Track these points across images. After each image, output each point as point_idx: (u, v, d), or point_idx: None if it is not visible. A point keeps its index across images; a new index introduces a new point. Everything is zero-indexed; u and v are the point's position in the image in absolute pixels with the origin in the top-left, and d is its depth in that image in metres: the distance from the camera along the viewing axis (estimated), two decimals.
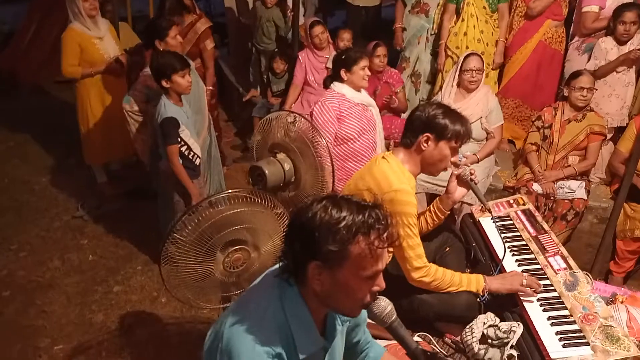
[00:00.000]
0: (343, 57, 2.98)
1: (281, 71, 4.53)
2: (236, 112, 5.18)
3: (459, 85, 3.41)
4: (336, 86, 2.97)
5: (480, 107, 3.39)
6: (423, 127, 1.96)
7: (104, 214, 3.73)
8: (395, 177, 1.95)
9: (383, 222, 1.19)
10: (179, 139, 2.78)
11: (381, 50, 3.86)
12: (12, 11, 7.17)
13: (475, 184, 2.17)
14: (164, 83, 2.70)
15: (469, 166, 2.24)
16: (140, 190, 3.84)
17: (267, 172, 2.56)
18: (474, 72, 3.31)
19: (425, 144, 1.97)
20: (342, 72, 2.93)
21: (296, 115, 3.79)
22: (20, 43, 5.74)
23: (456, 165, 2.13)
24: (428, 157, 1.99)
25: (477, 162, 3.39)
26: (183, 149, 2.82)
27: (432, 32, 4.12)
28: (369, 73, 3.02)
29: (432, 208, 2.25)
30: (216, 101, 4.26)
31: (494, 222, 2.28)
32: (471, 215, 2.56)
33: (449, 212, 2.24)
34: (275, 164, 2.62)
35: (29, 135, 4.74)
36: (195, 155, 2.87)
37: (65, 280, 3.14)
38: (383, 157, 2.05)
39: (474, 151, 3.42)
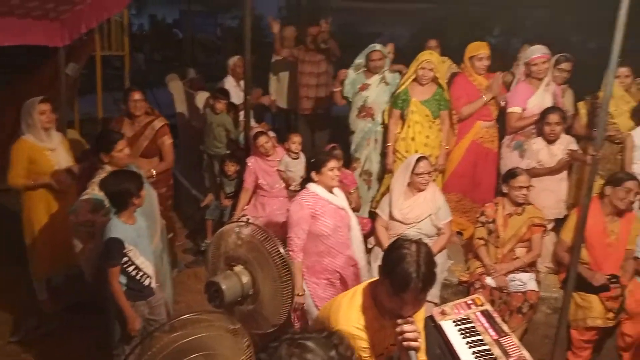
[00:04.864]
0: (313, 160, 3.19)
1: (232, 173, 4.55)
2: (189, 214, 5.11)
3: (408, 185, 3.57)
4: (310, 186, 3.15)
5: (429, 204, 3.55)
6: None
7: (47, 333, 3.44)
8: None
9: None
10: (125, 260, 2.66)
11: (337, 154, 3.99)
12: None
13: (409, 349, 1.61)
14: (122, 208, 2.67)
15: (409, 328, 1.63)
16: (82, 304, 3.61)
17: (224, 287, 2.49)
18: (425, 175, 3.51)
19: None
20: (313, 174, 3.14)
21: (249, 218, 3.78)
22: None
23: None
24: None
25: None
26: (130, 269, 2.68)
27: (380, 134, 4.32)
28: (338, 173, 3.19)
29: None
30: (171, 202, 4.23)
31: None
32: (432, 318, 2.55)
33: None
34: (232, 277, 2.57)
35: None
36: (145, 276, 2.74)
37: None
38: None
39: None
